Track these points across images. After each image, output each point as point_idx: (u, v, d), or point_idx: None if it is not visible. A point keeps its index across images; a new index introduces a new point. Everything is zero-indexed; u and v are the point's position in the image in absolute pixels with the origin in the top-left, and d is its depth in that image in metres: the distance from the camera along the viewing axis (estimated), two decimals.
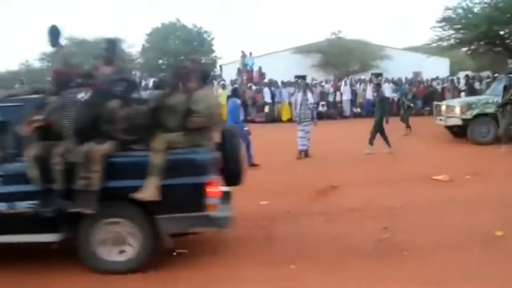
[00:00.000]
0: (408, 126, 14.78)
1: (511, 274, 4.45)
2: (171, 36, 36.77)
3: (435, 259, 4.82)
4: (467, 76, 21.12)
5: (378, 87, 14.77)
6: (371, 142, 11.30)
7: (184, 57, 36.30)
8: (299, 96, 11.48)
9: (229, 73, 24.72)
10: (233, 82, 20.64)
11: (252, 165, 10.04)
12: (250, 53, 23.20)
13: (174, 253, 4.97)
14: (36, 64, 37.60)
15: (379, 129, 11.32)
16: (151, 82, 19.05)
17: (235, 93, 11.75)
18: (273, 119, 19.45)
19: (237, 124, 9.79)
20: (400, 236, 5.48)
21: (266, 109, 19.52)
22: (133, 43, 36.85)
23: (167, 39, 36.56)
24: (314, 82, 22.31)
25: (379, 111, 11.71)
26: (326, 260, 4.90)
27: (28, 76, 25.21)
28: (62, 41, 5.91)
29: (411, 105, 15.76)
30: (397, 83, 21.97)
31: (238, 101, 10.67)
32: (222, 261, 4.95)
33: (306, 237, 5.66)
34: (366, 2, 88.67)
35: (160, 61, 37.90)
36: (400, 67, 26.44)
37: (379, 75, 26.52)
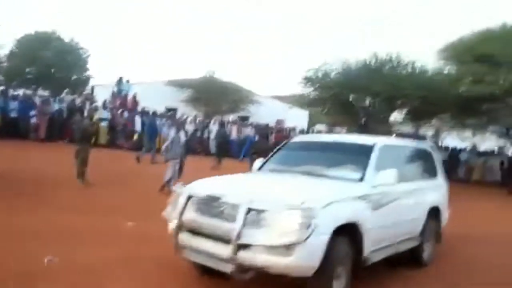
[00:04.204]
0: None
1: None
2: (44, 46, 33.89)
3: None
4: None
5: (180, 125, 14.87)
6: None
7: (56, 70, 33.81)
8: (172, 132, 11.72)
9: (100, 95, 24.30)
10: (105, 105, 20.58)
11: None
12: (128, 80, 23.39)
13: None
14: None
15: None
16: (21, 92, 18.68)
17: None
18: (141, 147, 19.72)
19: None
20: None
21: (135, 137, 19.72)
22: (3, 44, 32.31)
23: (40, 48, 33.65)
24: (185, 116, 23.21)
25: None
26: None
27: None
28: None
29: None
30: (261, 128, 23.81)
31: None
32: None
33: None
34: (238, 50, 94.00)
35: (28, 69, 34.79)
36: (267, 113, 28.77)
37: (245, 118, 28.38)
